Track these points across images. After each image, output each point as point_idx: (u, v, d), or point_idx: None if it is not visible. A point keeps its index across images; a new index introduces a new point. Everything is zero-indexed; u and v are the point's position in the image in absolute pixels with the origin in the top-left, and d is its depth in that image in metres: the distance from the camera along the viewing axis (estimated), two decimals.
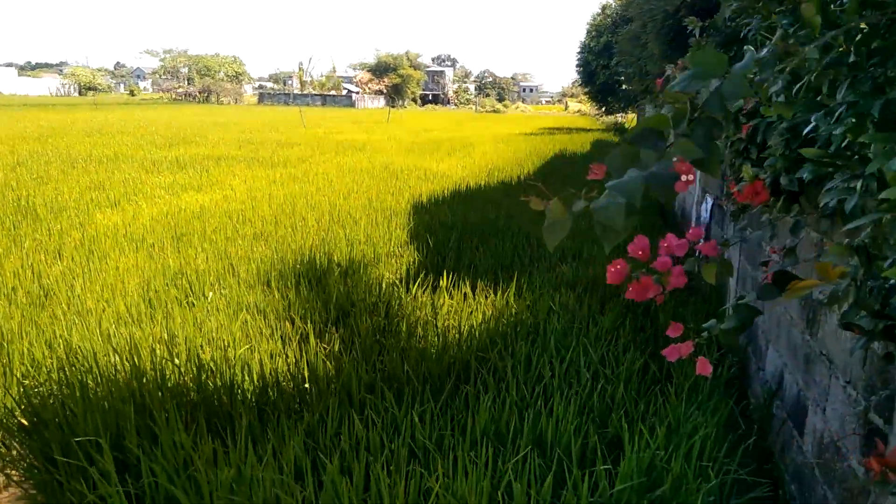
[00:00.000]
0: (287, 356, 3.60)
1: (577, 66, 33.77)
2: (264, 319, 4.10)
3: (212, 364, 3.35)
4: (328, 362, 3.49)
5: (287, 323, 4.04)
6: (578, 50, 33.51)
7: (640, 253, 1.71)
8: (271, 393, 3.19)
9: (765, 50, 1.17)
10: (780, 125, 2.64)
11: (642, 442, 2.79)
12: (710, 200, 6.35)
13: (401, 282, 5.14)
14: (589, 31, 32.45)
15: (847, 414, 2.54)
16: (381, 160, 14.77)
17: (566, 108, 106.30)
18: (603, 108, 38.18)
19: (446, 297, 4.65)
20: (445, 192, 9.79)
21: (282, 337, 3.85)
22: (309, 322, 4.06)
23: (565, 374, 3.47)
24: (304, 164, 13.92)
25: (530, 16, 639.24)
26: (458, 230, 6.90)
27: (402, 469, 2.62)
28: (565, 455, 2.75)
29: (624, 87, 30.43)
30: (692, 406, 3.14)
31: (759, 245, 4.08)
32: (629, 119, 38.72)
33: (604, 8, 32.34)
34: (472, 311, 4.36)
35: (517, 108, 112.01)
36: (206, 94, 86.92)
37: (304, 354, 3.55)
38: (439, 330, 4.04)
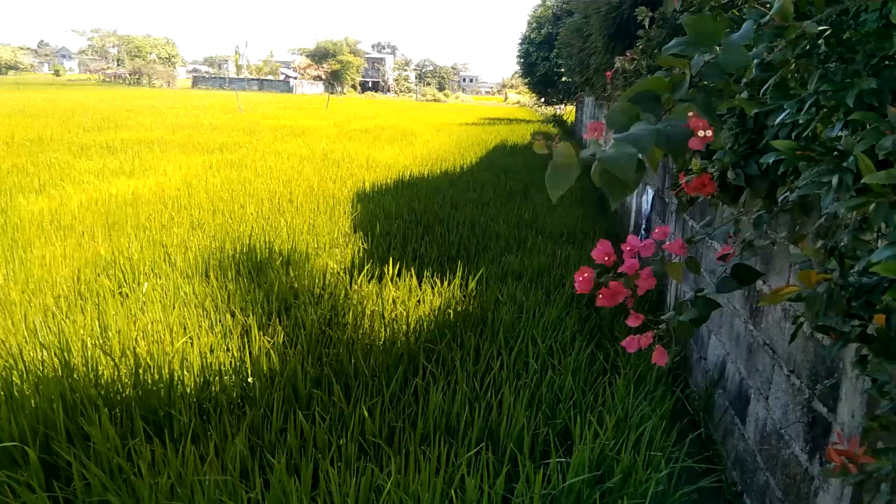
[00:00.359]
0: (229, 350, 3.47)
1: (518, 57, 33.92)
2: (203, 311, 3.94)
3: (148, 359, 3.19)
4: (272, 355, 3.37)
5: (227, 315, 3.88)
6: (520, 41, 33.67)
7: (606, 258, 1.69)
8: (213, 389, 3.06)
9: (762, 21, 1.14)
10: (730, 119, 2.67)
11: (591, 433, 2.79)
12: (650, 191, 6.46)
13: (345, 272, 5.03)
14: (530, 23, 32.64)
15: (790, 402, 2.60)
16: (322, 147, 14.51)
17: (506, 99, 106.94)
18: (542, 100, 38.51)
19: (392, 288, 4.57)
20: (388, 180, 9.67)
21: (222, 329, 3.71)
22: (251, 314, 3.92)
23: (514, 365, 3.45)
24: (241, 149, 13.55)
25: (471, 6, 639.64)
26: (403, 219, 6.82)
27: (352, 466, 2.55)
28: (517, 448, 2.73)
29: (564, 79, 30.79)
30: (639, 396, 3.16)
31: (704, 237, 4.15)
32: (568, 111, 39.19)
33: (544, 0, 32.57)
34: (419, 302, 4.30)
35: (457, 97, 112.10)
36: (136, 77, 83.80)
37: (246, 348, 3.42)
38: (387, 321, 3.96)
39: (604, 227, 7.34)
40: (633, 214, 7.55)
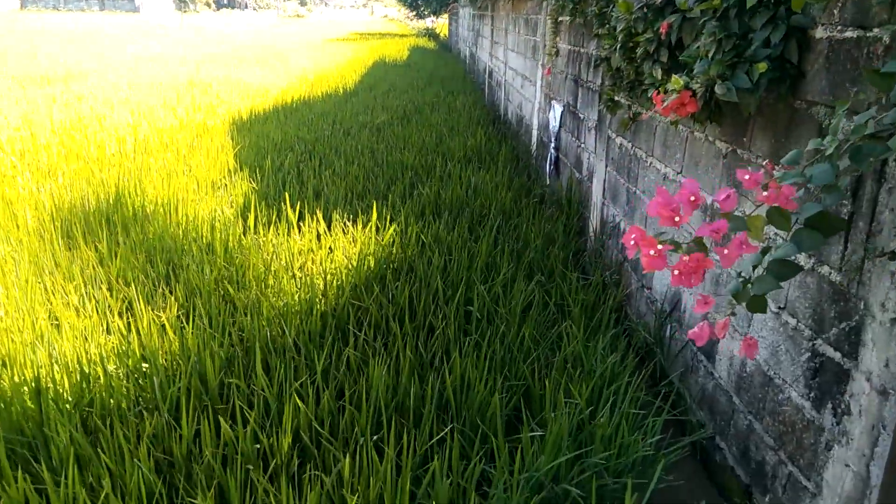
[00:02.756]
0: (110, 332, 2.81)
1: None
2: (72, 284, 3.20)
3: (3, 357, 2.50)
4: (167, 336, 2.75)
5: (104, 287, 3.17)
6: None
7: (675, 216, 1.24)
8: (97, 391, 2.42)
9: None
10: (711, 22, 2.26)
11: (559, 396, 2.44)
12: (558, 107, 6.10)
13: (237, 217, 4.36)
14: None
15: (781, 343, 2.34)
16: (185, 73, 13.09)
17: (372, 13, 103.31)
18: (413, 13, 37.15)
19: (297, 236, 3.98)
20: (267, 106, 8.76)
21: (97, 306, 3.01)
22: (133, 283, 3.22)
23: (456, 318, 3.02)
24: (89, 79, 11.94)
25: None
26: (295, 151, 6.10)
27: (291, 472, 2.06)
28: (482, 423, 2.33)
29: None
30: (597, 341, 2.83)
31: (634, 155, 3.83)
32: (440, 25, 38.07)
33: None
34: (331, 250, 3.75)
35: (321, 13, 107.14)
36: None
37: (132, 329, 2.77)
38: (298, 276, 3.40)
39: (508, 148, 6.95)
40: (534, 132, 7.20)
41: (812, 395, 2.15)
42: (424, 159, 5.88)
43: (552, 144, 6.15)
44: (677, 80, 2.20)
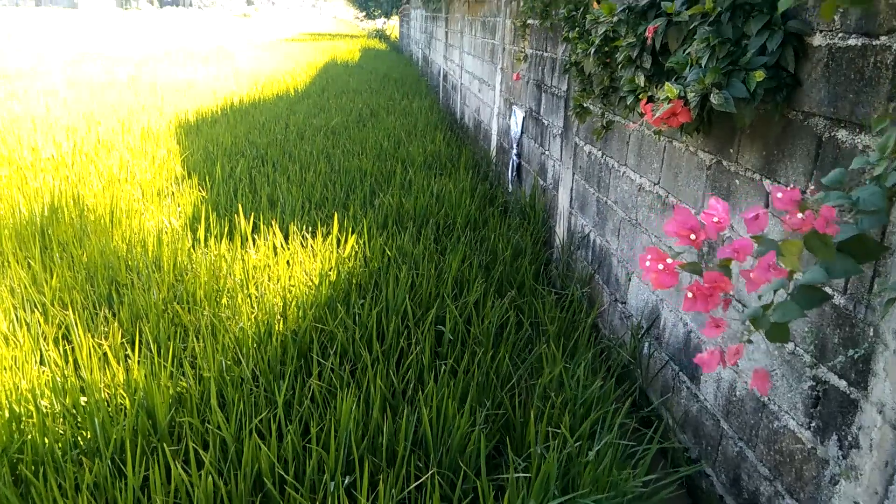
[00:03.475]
0: (44, 363, 2.52)
1: None
2: (0, 308, 2.88)
3: None
4: (110, 368, 2.48)
5: (38, 311, 2.86)
6: None
7: (692, 234, 1.08)
8: (28, 432, 2.14)
9: None
10: (703, 27, 2.12)
11: (543, 425, 2.27)
12: (518, 112, 5.96)
13: (186, 229, 4.07)
14: None
15: (777, 368, 2.22)
16: (126, 71, 12.54)
17: (321, 13, 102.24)
18: (364, 14, 36.75)
19: (251, 249, 3.72)
20: (216, 107, 8.40)
21: (29, 332, 2.71)
22: (71, 306, 2.92)
23: (425, 339, 2.82)
24: (23, 77, 11.32)
25: None
26: (247, 156, 5.80)
27: None
28: (462, 460, 2.14)
29: None
30: (580, 368, 2.68)
31: (605, 164, 3.70)
32: (391, 27, 37.74)
33: None
34: (290, 266, 3.50)
35: (268, 12, 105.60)
36: None
37: (69, 360, 2.49)
38: (255, 297, 3.15)
39: (468, 153, 6.78)
40: (494, 137, 7.05)
41: (814, 424, 2.02)
42: (383, 165, 5.66)
43: (514, 151, 6.00)
44: (671, 89, 2.05)
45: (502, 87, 6.73)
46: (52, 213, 4.09)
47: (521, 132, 5.84)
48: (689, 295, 1.06)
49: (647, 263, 1.05)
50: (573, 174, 4.31)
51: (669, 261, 1.03)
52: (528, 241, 4.18)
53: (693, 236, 1.00)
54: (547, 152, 4.97)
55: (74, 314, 2.78)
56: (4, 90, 9.56)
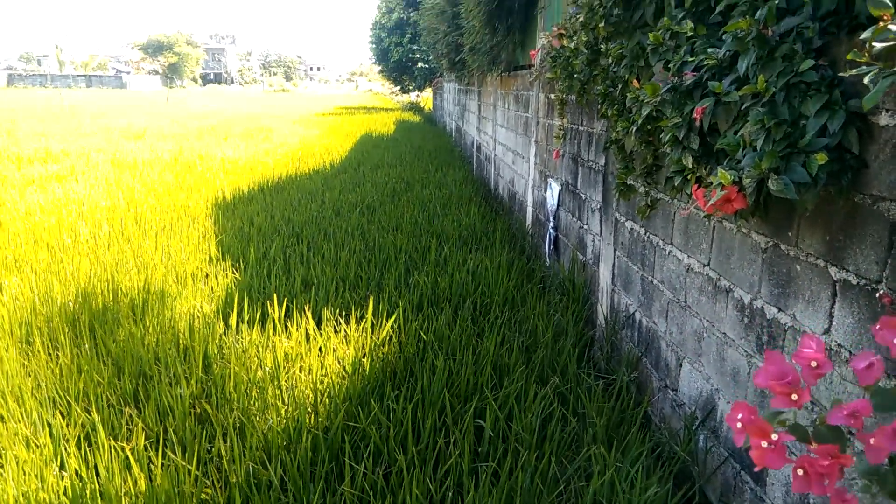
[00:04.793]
0: (63, 469, 2.40)
1: (371, 43, 32.98)
2: (24, 408, 2.78)
3: None
4: (132, 475, 2.34)
5: (59, 413, 2.76)
6: (371, 27, 32.76)
7: (790, 391, 0.92)
8: None
9: None
10: (757, 108, 1.98)
11: None
12: (554, 185, 5.86)
13: (218, 315, 3.99)
14: (380, 8, 31.75)
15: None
16: (168, 148, 12.89)
17: (357, 88, 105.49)
18: (399, 88, 37.73)
19: (283, 335, 3.61)
20: (252, 184, 8.49)
21: (51, 434, 2.60)
22: (94, 404, 2.81)
23: (465, 438, 2.63)
24: (69, 158, 11.69)
25: None
26: (282, 235, 5.78)
27: None
28: None
29: (420, 65, 30.13)
30: (634, 472, 2.45)
31: (648, 241, 3.54)
32: (425, 98, 38.65)
33: None
34: (322, 353, 3.37)
35: (306, 87, 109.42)
36: None
37: (89, 466, 2.36)
38: (283, 387, 3.01)
39: (503, 225, 6.68)
40: (529, 209, 6.96)
41: None
42: (418, 241, 5.57)
43: (550, 224, 5.88)
44: (724, 175, 1.91)
45: (537, 160, 6.67)
46: (84, 300, 4.06)
47: (558, 205, 5.72)
48: (800, 472, 0.89)
49: (739, 425, 0.89)
50: (614, 250, 4.15)
51: (774, 435, 0.85)
52: (569, 319, 3.99)
53: (795, 396, 0.83)
54: (585, 226, 4.83)
55: (99, 414, 2.67)
56: (50, 170, 9.85)
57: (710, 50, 2.27)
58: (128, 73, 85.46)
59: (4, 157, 11.58)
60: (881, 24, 1.44)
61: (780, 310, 2.33)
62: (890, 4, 1.44)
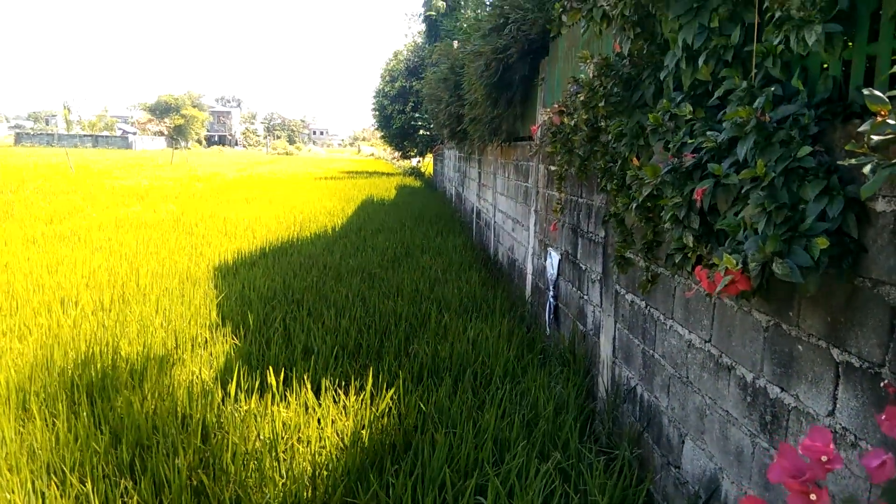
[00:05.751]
0: None
1: (373, 110, 33.74)
2: (18, 477, 2.73)
3: None
4: None
5: (54, 484, 2.71)
6: (374, 94, 33.59)
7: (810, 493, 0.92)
8: None
9: None
10: (757, 191, 2.03)
11: None
12: (554, 255, 5.91)
13: (217, 382, 3.96)
14: (383, 76, 32.60)
15: None
16: (170, 211, 13.01)
17: (359, 152, 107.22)
18: (400, 154, 38.38)
19: (281, 405, 3.57)
20: (254, 248, 8.55)
21: None
22: (90, 475, 2.77)
23: None
24: (73, 217, 11.79)
25: (315, 59, 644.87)
26: (280, 301, 5.78)
27: None
28: None
29: (422, 132, 30.74)
30: None
31: (649, 315, 3.55)
32: (426, 164, 39.26)
33: (396, 54, 32.73)
34: (321, 425, 3.34)
35: (309, 150, 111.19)
36: None
37: None
38: (284, 462, 2.97)
39: (503, 292, 6.69)
40: (529, 276, 6.99)
41: None
42: (418, 308, 5.58)
43: (550, 293, 5.90)
44: (730, 260, 1.94)
45: (537, 228, 6.74)
46: (83, 365, 4.03)
47: (558, 275, 5.75)
48: None
49: None
50: (615, 322, 4.15)
51: None
52: (570, 392, 3.97)
53: (814, 497, 0.83)
54: (585, 297, 4.85)
55: (93, 486, 2.62)
56: (55, 231, 9.92)
57: (709, 133, 2.34)
58: (134, 133, 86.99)
59: (10, 217, 11.67)
60: (878, 118, 1.50)
61: (783, 389, 2.33)
62: (887, 100, 1.51)
